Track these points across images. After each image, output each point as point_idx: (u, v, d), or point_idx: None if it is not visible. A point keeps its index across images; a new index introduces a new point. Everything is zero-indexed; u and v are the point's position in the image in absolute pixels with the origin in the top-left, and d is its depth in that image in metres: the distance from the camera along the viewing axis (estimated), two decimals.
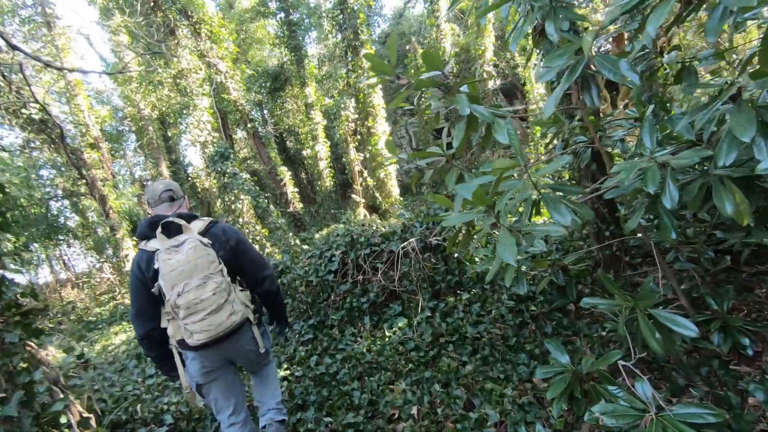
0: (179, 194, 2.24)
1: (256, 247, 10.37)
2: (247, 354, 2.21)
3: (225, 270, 1.99)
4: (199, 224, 2.10)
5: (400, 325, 4.39)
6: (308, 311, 5.15)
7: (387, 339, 4.21)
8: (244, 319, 2.04)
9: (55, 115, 9.56)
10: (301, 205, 14.65)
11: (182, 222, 2.01)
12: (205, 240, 1.99)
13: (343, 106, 10.67)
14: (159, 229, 1.96)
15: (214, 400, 2.22)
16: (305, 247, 10.72)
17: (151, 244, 1.99)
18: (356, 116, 11.11)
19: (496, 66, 12.82)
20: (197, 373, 2.12)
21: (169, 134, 17.05)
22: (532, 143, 10.70)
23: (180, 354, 2.14)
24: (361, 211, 11.37)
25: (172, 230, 1.99)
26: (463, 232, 2.29)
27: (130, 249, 11.67)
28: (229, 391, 2.24)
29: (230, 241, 2.15)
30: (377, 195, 11.41)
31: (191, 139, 13.34)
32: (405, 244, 4.86)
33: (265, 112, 21.17)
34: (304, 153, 17.18)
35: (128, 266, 11.71)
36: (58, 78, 11.43)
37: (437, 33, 14.09)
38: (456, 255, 4.82)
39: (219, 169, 10.01)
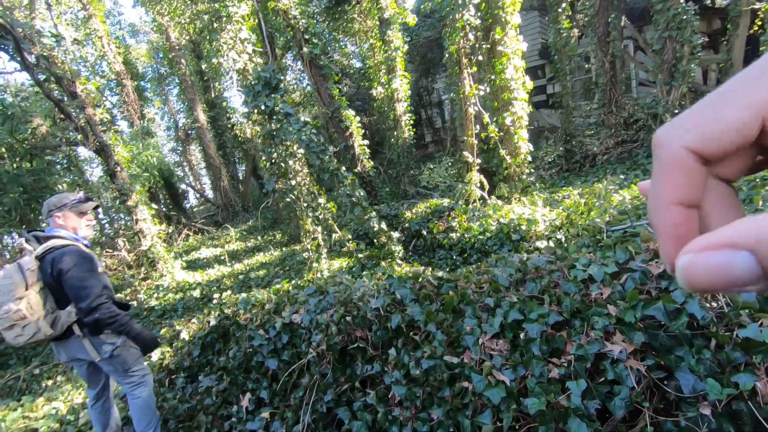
0: (44, 211, 2.60)
1: (317, 230, 6.78)
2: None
3: (35, 300, 2.33)
4: (42, 247, 2.42)
5: None
6: None
7: None
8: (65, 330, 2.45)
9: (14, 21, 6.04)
10: (371, 163, 10.85)
11: (23, 243, 2.44)
12: (33, 264, 2.36)
13: (461, 1, 6.42)
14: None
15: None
16: (395, 235, 6.93)
17: None
18: (477, 24, 6.86)
19: None
20: None
21: (204, 68, 13.49)
22: None
23: None
24: (475, 177, 7.39)
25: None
26: None
27: (147, 220, 8.51)
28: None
29: (54, 270, 2.38)
30: (502, 152, 7.29)
31: (226, 67, 9.71)
32: None
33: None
34: (373, 92, 13.14)
35: (145, 242, 8.63)
36: None
37: None
38: None
39: (263, 106, 6.31)
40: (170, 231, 13.36)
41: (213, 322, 4.81)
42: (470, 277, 2.85)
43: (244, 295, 5.04)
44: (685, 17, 8.28)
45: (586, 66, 13.83)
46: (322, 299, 3.71)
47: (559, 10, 9.03)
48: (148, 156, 12.99)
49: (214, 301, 5.49)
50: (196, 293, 8.12)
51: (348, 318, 3.14)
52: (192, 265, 10.96)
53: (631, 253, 2.06)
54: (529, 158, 7.89)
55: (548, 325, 2.01)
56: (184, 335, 5.35)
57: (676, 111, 8.77)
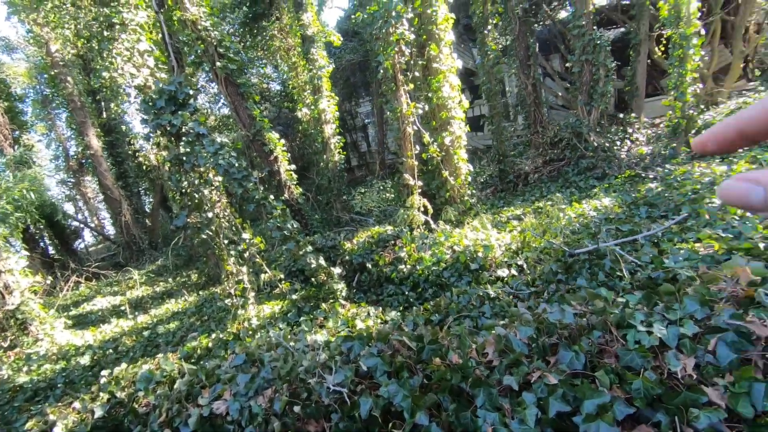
0: None
1: (241, 271, 5.67)
2: None
3: None
4: None
5: None
6: None
7: None
8: None
9: None
10: (299, 189, 9.92)
11: None
12: None
13: (395, 14, 5.97)
14: None
15: None
16: (336, 271, 6.04)
17: None
18: (411, 39, 6.47)
19: None
20: None
21: (95, 84, 11.62)
22: None
23: None
24: (417, 201, 6.86)
25: None
26: None
27: (14, 272, 6.68)
28: None
29: None
30: (445, 173, 6.87)
31: (122, 83, 8.31)
32: None
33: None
34: (298, 114, 12.29)
35: (12, 299, 6.75)
36: None
37: None
38: None
39: (168, 125, 5.18)
40: (49, 281, 11.00)
41: (99, 413, 3.55)
42: (464, 340, 2.14)
43: (145, 368, 3.82)
44: (599, 42, 8.77)
45: (506, 89, 14.44)
46: (256, 375, 2.76)
47: (485, 32, 9.12)
48: (22, 190, 10.67)
49: (103, 380, 4.14)
50: (85, 360, 6.43)
51: (296, 407, 2.24)
52: (81, 321, 8.96)
53: (709, 304, 1.50)
54: (470, 179, 7.60)
55: (618, 423, 1.35)
56: (59, 431, 3.95)
57: (597, 129, 9.19)
